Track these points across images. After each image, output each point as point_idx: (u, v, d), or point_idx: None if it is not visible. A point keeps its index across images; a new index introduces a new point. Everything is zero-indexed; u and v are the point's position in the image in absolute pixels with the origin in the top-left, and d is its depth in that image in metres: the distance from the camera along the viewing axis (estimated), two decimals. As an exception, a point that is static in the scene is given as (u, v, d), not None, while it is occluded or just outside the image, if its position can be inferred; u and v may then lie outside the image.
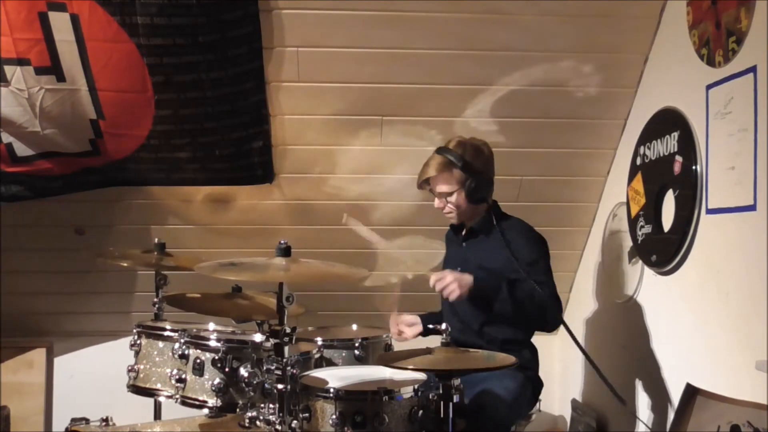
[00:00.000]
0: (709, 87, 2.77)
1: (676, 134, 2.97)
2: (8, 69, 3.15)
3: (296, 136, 3.58)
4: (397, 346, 3.09)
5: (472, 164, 2.93)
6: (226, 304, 3.09)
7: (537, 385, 3.01)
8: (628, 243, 3.40)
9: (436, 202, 3.03)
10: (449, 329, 2.47)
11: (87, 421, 2.85)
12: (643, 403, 3.23)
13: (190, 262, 3.26)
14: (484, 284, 2.80)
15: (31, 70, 3.16)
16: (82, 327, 4.15)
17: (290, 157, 3.64)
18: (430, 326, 2.82)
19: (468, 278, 2.80)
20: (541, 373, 3.03)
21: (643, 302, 3.32)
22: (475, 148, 2.99)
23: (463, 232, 3.11)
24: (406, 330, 3.14)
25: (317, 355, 2.98)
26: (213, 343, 2.77)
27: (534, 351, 3.03)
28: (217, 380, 2.72)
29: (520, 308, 2.75)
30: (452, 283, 2.76)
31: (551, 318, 2.88)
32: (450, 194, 2.97)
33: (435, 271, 2.87)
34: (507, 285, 2.78)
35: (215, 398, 2.73)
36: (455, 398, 2.35)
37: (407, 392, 2.44)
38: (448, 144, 3.00)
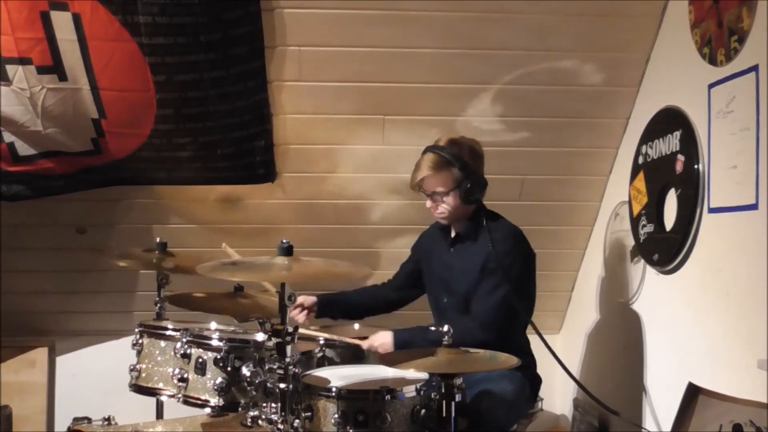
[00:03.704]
0: (711, 86, 2.77)
1: (678, 133, 2.97)
2: (10, 68, 3.15)
3: (298, 136, 3.58)
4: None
5: (469, 164, 2.88)
6: (228, 303, 3.10)
7: (535, 383, 2.99)
8: (630, 242, 3.40)
9: (428, 203, 2.97)
10: (451, 331, 2.46)
11: (89, 420, 2.84)
12: (644, 402, 3.23)
13: (192, 261, 3.26)
14: (405, 341, 2.80)
15: (32, 70, 3.16)
16: (84, 326, 4.15)
17: (292, 157, 3.63)
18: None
19: (387, 341, 2.83)
20: (543, 373, 3.03)
21: (644, 301, 3.32)
22: (470, 146, 2.93)
23: (452, 236, 3.05)
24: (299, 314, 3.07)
25: (319, 355, 2.98)
26: (215, 343, 2.76)
27: (529, 350, 3.00)
28: (219, 379, 2.71)
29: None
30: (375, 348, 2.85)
31: (490, 342, 2.63)
32: (445, 194, 2.90)
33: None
34: (429, 337, 2.72)
35: (217, 397, 2.72)
36: (458, 397, 2.35)
37: (409, 391, 2.43)
38: (438, 142, 2.93)
